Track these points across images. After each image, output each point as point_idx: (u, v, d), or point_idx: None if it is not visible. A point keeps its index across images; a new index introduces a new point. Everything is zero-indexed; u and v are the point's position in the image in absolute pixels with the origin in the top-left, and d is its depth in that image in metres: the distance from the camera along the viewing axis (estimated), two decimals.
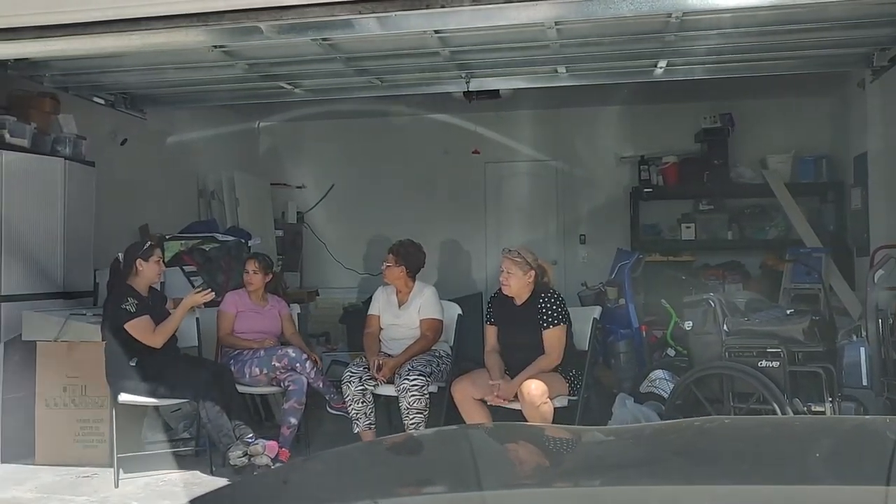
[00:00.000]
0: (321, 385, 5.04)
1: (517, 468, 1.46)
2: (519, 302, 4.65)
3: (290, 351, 5.04)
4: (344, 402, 4.88)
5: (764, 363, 4.38)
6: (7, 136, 5.22)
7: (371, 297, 5.35)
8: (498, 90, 6.43)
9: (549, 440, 1.78)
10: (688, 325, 4.87)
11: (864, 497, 1.11)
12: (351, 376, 4.83)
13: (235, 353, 5.15)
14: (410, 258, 5.08)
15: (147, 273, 4.83)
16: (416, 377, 4.67)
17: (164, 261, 5.06)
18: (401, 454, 1.73)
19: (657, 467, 1.39)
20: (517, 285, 4.61)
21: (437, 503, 1.17)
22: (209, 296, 4.94)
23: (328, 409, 5.06)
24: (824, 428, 2.07)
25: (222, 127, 7.98)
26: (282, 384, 4.99)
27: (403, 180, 8.57)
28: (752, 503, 1.00)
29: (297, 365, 4.98)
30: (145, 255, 4.83)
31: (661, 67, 5.68)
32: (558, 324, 4.53)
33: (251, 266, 5.38)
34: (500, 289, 4.75)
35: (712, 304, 4.69)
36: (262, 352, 5.06)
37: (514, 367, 4.53)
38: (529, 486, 1.28)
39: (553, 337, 4.52)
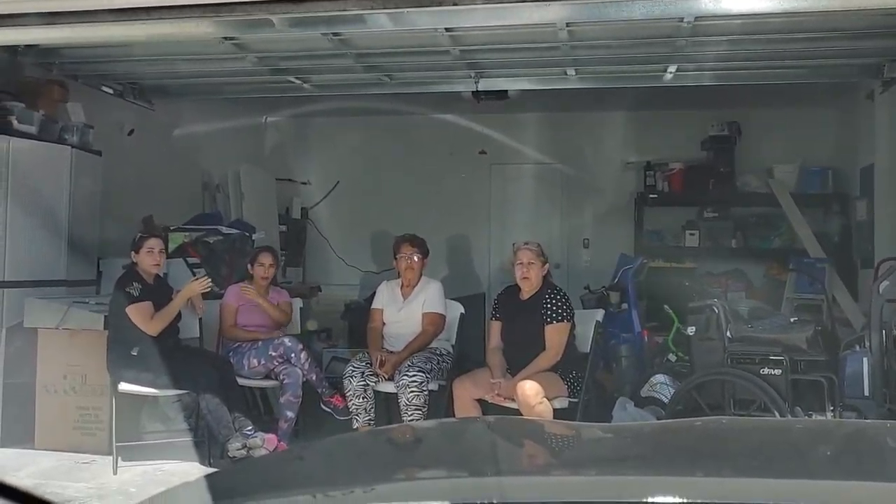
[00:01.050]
0: (314, 378, 5.02)
1: (516, 458, 1.46)
2: (526, 297, 4.65)
3: (287, 341, 5.02)
4: (336, 395, 4.89)
5: (766, 371, 4.38)
6: (15, 122, 5.22)
7: (374, 293, 5.34)
8: (506, 91, 6.43)
9: (549, 434, 1.77)
10: (691, 330, 4.87)
11: (867, 493, 1.11)
12: (353, 371, 4.83)
13: (235, 345, 5.15)
14: (426, 249, 5.11)
15: (141, 264, 4.82)
16: (415, 374, 4.66)
17: (165, 251, 5.05)
18: (401, 442, 1.72)
19: (656, 461, 1.39)
20: (536, 276, 4.60)
21: (435, 488, 1.17)
22: (206, 283, 4.93)
23: (321, 404, 5.04)
24: (824, 430, 2.07)
25: (229, 121, 7.97)
26: (278, 377, 4.98)
27: (408, 179, 8.57)
28: (751, 495, 1.00)
29: (293, 355, 4.97)
30: (136, 247, 4.84)
31: (670, 72, 5.68)
32: (562, 320, 4.52)
33: (267, 259, 5.33)
34: (507, 286, 4.76)
35: (716, 311, 4.68)
36: (259, 343, 5.05)
37: (516, 364, 4.53)
38: (528, 474, 1.28)
39: (555, 332, 4.51)
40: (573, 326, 4.62)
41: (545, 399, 4.26)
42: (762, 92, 6.63)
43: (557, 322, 4.51)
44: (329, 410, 5.00)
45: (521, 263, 4.62)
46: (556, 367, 4.51)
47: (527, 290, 4.66)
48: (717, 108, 7.82)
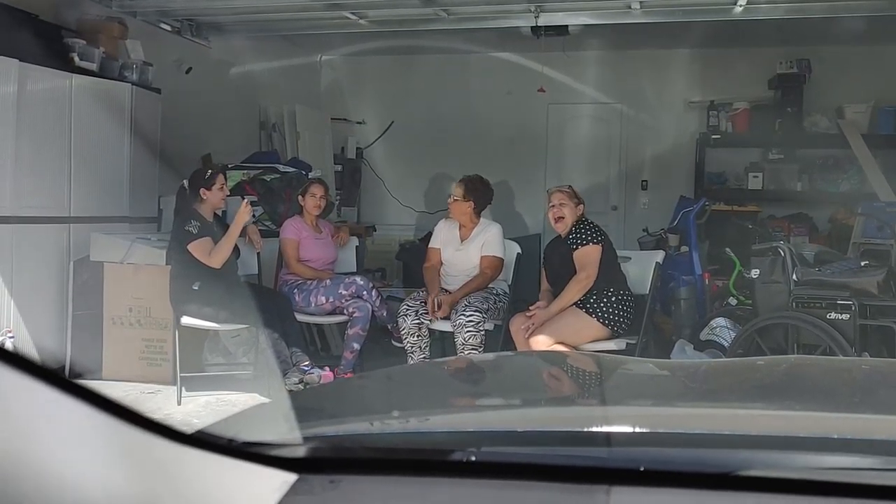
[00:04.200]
0: (385, 314, 5.07)
1: (572, 388, 1.44)
2: (563, 237, 4.62)
3: (358, 279, 5.08)
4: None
5: (833, 315, 4.24)
6: (76, 59, 5.27)
7: (431, 232, 5.31)
8: (567, 27, 6.24)
9: (604, 367, 1.74)
10: (754, 273, 4.73)
11: None
12: (407, 310, 4.84)
13: (299, 282, 5.16)
14: (479, 194, 5.02)
15: (212, 200, 4.88)
16: (472, 313, 4.66)
17: (227, 187, 5.10)
18: (458, 373, 1.71)
19: (716, 395, 1.35)
20: (570, 216, 4.56)
21: (519, 416, 1.15)
22: (248, 207, 4.91)
23: (392, 341, 5.08)
24: (891, 369, 1.99)
25: (284, 59, 7.96)
26: (346, 311, 5.02)
27: (464, 119, 8.45)
28: (816, 429, 0.95)
29: (364, 293, 5.01)
30: (208, 184, 4.88)
31: (740, 5, 5.43)
32: (587, 243, 4.45)
33: (318, 190, 5.32)
34: (555, 237, 4.72)
35: (782, 253, 4.55)
36: (327, 281, 5.09)
37: None
38: (584, 404, 1.25)
39: (581, 256, 4.44)
40: (609, 251, 4.54)
41: (558, 345, 4.24)
42: (836, 27, 6.31)
43: (582, 246, 4.45)
44: (400, 346, 5.03)
45: (552, 206, 4.60)
46: (591, 304, 4.42)
47: (563, 233, 4.62)
48: (787, 45, 7.49)
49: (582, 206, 4.61)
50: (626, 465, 0.74)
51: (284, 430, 0.84)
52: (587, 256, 4.44)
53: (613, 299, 4.43)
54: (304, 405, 1.20)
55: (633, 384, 1.50)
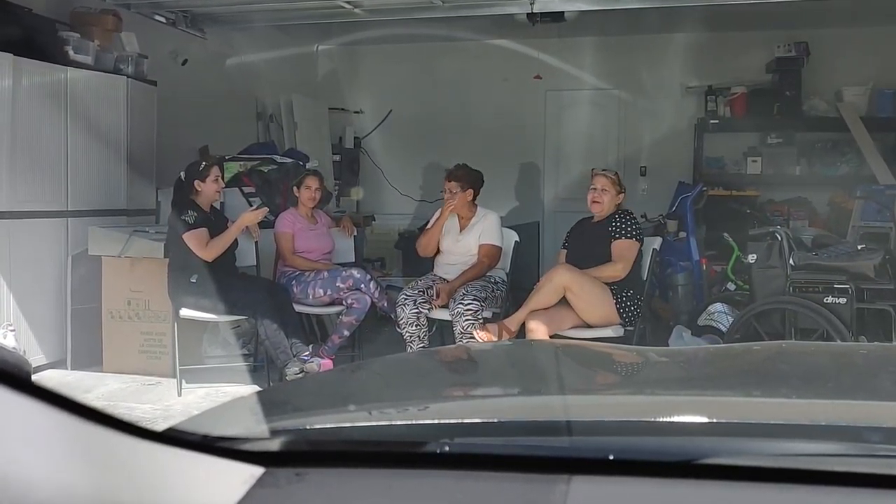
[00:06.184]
0: (386, 304, 5.08)
1: (570, 378, 1.44)
2: (596, 220, 4.64)
3: (355, 272, 5.08)
4: None
5: (830, 299, 4.25)
6: (71, 52, 5.26)
7: (427, 222, 5.31)
8: (562, 13, 6.21)
9: (602, 356, 1.75)
10: (751, 258, 4.74)
11: None
12: (405, 299, 4.85)
13: (297, 274, 5.17)
14: (471, 181, 5.03)
15: (206, 192, 4.89)
16: (470, 302, 4.67)
17: (223, 178, 5.10)
18: (456, 362, 1.71)
19: (714, 382, 1.35)
20: (609, 203, 4.57)
21: (490, 406, 1.15)
22: (262, 213, 4.98)
23: (397, 328, 5.10)
24: (888, 353, 1.99)
25: (281, 50, 7.93)
26: (344, 302, 5.04)
27: (462, 107, 8.43)
28: (813, 416, 0.95)
29: (362, 286, 5.03)
30: (202, 176, 4.88)
31: None
32: (630, 237, 4.47)
33: (313, 183, 5.34)
34: (582, 218, 4.74)
35: (779, 238, 4.55)
36: (325, 273, 5.10)
37: None
38: (582, 393, 1.25)
39: (623, 247, 4.46)
40: (640, 254, 4.56)
41: (564, 307, 4.30)
42: (834, 9, 6.27)
43: (626, 238, 4.47)
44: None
45: (594, 189, 4.61)
46: (615, 289, 4.43)
47: (597, 216, 4.64)
48: (785, 28, 7.45)
49: (623, 195, 4.63)
50: (591, 454, 0.75)
51: (253, 425, 0.85)
52: (627, 250, 4.47)
53: (632, 299, 4.46)
54: (276, 399, 1.21)
55: (616, 373, 1.51)
